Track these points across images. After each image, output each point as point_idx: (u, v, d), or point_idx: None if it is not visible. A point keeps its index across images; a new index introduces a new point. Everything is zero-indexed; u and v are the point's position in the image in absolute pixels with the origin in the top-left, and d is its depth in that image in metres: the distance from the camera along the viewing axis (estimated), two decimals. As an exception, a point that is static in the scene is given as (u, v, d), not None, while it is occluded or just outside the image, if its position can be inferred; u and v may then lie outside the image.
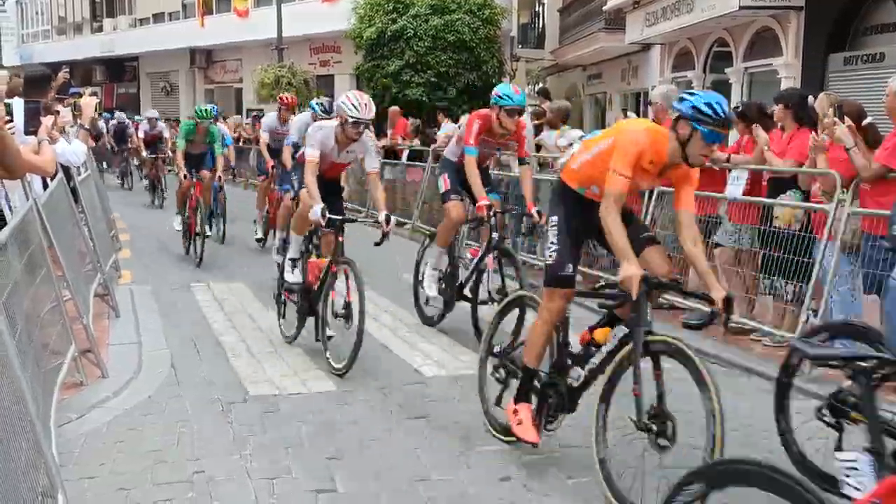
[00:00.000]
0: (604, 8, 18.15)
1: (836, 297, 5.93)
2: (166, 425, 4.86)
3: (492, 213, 6.28)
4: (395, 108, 15.68)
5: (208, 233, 10.58)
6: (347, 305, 5.71)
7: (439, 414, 5.09)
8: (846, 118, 5.69)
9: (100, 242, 7.97)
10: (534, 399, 4.43)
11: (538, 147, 9.96)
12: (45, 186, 6.22)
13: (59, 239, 5.73)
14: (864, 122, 5.84)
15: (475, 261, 6.62)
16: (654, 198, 7.64)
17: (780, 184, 6.59)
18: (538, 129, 10.41)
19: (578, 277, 4.56)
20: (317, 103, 9.59)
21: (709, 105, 3.78)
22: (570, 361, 4.33)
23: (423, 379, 5.79)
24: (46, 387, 4.42)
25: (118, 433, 4.73)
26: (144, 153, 17.41)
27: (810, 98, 6.87)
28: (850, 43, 11.94)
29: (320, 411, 5.11)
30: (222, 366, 6.07)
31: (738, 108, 7.52)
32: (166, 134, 18.21)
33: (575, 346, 4.34)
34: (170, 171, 18.55)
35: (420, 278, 7.08)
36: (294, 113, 11.13)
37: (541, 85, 24.33)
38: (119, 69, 39.12)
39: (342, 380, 5.71)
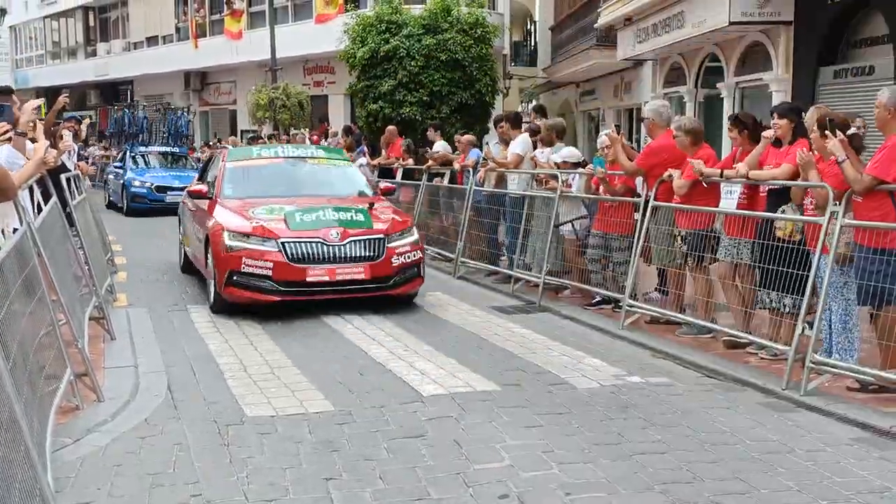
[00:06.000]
0: (595, 25, 18.28)
1: (832, 309, 5.95)
2: (163, 448, 4.84)
3: None
4: (392, 128, 15.57)
5: None
6: None
7: (437, 432, 5.08)
8: (837, 132, 5.72)
9: (95, 266, 7.96)
10: None
11: (534, 164, 9.98)
12: (40, 210, 6.22)
13: (54, 262, 5.73)
14: (849, 132, 5.86)
15: None
16: (647, 212, 7.65)
17: (781, 195, 6.58)
18: (533, 146, 10.42)
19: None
20: None
21: None
22: None
23: (421, 397, 5.77)
24: (42, 411, 4.40)
25: (115, 457, 4.71)
26: None
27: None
28: (840, 56, 12.02)
29: (318, 431, 5.10)
30: (219, 387, 6.05)
31: (735, 115, 7.55)
32: None
33: None
34: None
35: None
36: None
37: (534, 102, 24.46)
38: (113, 93, 39.24)
39: (340, 399, 5.71)
